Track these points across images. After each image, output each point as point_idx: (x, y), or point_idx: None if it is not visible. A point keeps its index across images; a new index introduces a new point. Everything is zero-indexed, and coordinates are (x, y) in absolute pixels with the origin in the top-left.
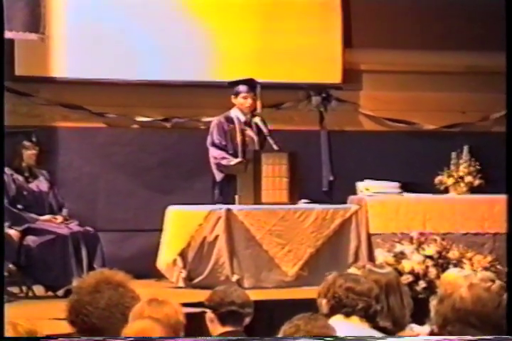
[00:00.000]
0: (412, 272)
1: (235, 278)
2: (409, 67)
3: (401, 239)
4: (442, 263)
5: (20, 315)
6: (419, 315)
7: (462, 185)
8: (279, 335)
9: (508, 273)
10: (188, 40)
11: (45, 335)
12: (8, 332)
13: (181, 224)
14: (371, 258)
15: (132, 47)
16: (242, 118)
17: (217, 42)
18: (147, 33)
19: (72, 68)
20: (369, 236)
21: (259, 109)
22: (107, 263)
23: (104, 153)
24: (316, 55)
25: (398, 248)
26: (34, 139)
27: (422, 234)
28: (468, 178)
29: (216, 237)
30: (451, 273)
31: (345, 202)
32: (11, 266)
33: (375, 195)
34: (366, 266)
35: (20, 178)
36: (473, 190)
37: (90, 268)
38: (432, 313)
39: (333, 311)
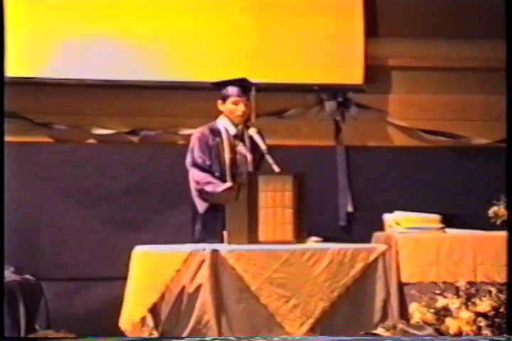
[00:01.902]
0: (459, 334)
1: None
2: (454, 62)
3: (444, 290)
4: (500, 323)
5: None
6: None
7: None
8: None
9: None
10: (164, 32)
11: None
12: None
13: (152, 270)
14: (404, 315)
15: (87, 37)
16: (233, 131)
17: (202, 36)
18: (109, 20)
19: (9, 65)
20: (401, 285)
21: (254, 118)
22: (52, 323)
23: (50, 176)
24: (329, 47)
25: (440, 302)
26: None
27: (471, 283)
28: None
29: (198, 287)
30: None
31: (369, 241)
32: None
33: (409, 232)
34: (398, 326)
35: None
36: None
37: (30, 329)
38: None
39: None
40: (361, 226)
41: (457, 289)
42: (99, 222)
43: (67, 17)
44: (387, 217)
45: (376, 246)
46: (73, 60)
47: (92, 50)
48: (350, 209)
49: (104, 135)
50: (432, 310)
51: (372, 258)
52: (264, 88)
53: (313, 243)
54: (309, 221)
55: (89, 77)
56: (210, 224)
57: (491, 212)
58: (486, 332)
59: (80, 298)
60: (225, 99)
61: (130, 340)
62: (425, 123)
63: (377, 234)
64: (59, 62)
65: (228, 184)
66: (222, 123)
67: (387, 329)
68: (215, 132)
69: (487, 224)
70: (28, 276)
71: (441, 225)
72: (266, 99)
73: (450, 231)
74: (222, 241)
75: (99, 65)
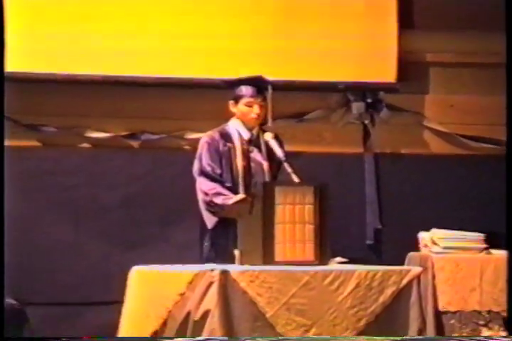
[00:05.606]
0: None
1: None
2: (503, 57)
3: (489, 320)
4: None
5: None
6: None
7: None
8: None
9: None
10: (169, 24)
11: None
12: None
13: (153, 293)
14: None
15: (80, 28)
16: (246, 135)
17: (213, 29)
18: (105, 12)
19: None
20: (438, 314)
21: (270, 121)
22: None
23: (36, 185)
24: (357, 40)
25: (485, 333)
26: None
27: None
28: None
29: (206, 314)
30: None
31: (401, 262)
32: None
33: (447, 252)
34: None
35: None
36: None
37: None
38: None
39: None
40: (392, 245)
41: (504, 320)
42: (92, 239)
43: (57, 8)
44: (423, 236)
45: (409, 268)
46: (64, 53)
47: (86, 43)
48: (379, 225)
49: (99, 139)
50: None
51: (405, 282)
52: (282, 87)
53: (337, 264)
54: (333, 239)
55: (83, 72)
56: (220, 242)
57: None
58: None
59: (69, 324)
60: (237, 99)
61: (130, 340)
62: (467, 128)
63: (411, 255)
64: (47, 56)
65: (241, 196)
66: (235, 127)
67: None
68: (227, 136)
69: None
70: (10, 300)
71: (485, 245)
72: (284, 99)
73: (496, 252)
74: (233, 261)
75: (94, 59)
